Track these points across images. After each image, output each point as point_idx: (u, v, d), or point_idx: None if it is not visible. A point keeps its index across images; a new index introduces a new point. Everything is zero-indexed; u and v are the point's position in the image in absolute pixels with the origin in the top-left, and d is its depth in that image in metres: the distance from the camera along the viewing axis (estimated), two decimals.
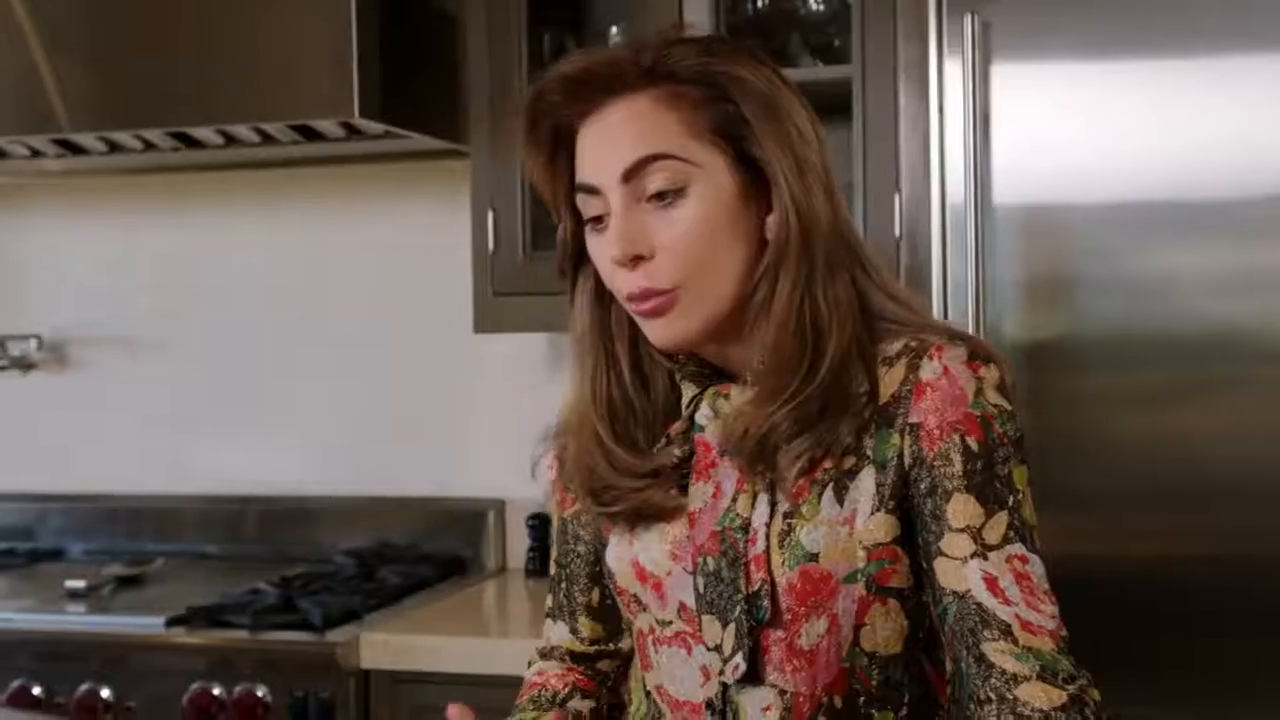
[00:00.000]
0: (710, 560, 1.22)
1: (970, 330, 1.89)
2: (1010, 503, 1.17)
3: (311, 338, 2.95)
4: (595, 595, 1.40)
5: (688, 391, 1.28)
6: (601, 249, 1.23)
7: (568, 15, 2.63)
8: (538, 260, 2.50)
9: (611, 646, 1.41)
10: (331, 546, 2.84)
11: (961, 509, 1.17)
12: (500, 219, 2.49)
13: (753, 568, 1.20)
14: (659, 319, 1.22)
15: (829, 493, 1.20)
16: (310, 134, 2.54)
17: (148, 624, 2.38)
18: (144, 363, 3.04)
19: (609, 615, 1.40)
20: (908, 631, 1.21)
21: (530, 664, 1.46)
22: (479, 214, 2.51)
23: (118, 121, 2.54)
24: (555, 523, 1.44)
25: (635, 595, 1.30)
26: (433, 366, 2.88)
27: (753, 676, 1.21)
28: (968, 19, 1.97)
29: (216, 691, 2.26)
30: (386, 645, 2.28)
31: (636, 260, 1.20)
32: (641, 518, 1.28)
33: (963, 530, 1.16)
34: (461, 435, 2.87)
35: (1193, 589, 1.91)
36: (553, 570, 1.44)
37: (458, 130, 2.59)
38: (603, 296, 1.29)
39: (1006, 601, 1.14)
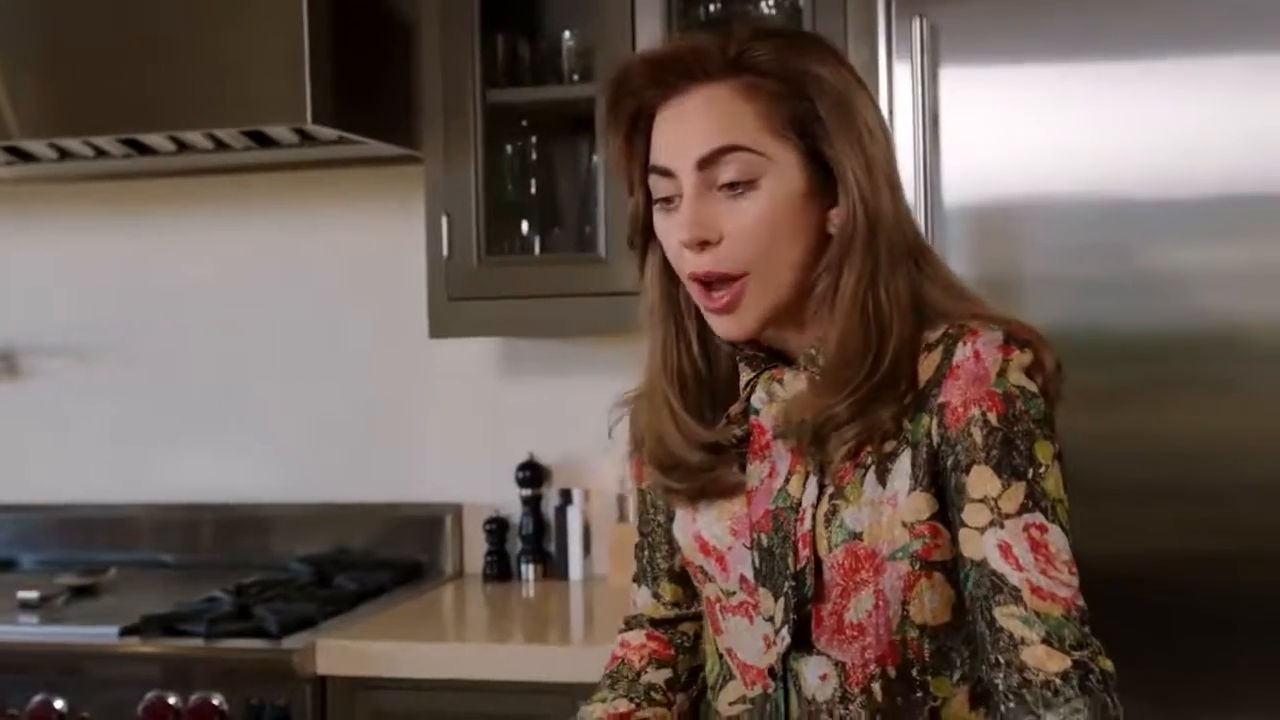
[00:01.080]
0: (764, 537, 1.29)
1: None
2: (1030, 475, 1.20)
3: (266, 344, 2.94)
4: (677, 560, 1.45)
5: (744, 375, 1.33)
6: (670, 229, 1.28)
7: (521, 21, 2.63)
8: (492, 265, 2.51)
9: (692, 610, 1.46)
10: (287, 554, 2.83)
11: (980, 480, 1.20)
12: (454, 224, 2.49)
13: (800, 546, 1.26)
14: (725, 314, 1.27)
15: (871, 475, 1.24)
16: (263, 140, 2.53)
17: (102, 634, 2.36)
18: (97, 371, 3.02)
19: (689, 579, 1.44)
20: (954, 600, 1.25)
21: (619, 633, 1.50)
22: (433, 219, 2.51)
23: (68, 128, 2.52)
24: (634, 493, 1.50)
25: (701, 566, 1.36)
26: (388, 372, 2.87)
27: (805, 647, 1.27)
28: (916, 22, 1.99)
29: (172, 700, 2.25)
30: (343, 652, 2.27)
31: (704, 245, 1.25)
32: (705, 495, 1.34)
33: (981, 501, 1.20)
34: (417, 441, 2.86)
35: (1164, 586, 1.94)
36: (636, 538, 1.50)
37: (412, 136, 2.59)
38: (671, 273, 1.33)
39: (1019, 568, 1.17)
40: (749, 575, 1.31)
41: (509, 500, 2.76)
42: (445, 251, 2.50)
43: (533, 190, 2.66)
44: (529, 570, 2.75)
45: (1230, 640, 1.93)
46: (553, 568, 2.75)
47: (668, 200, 1.27)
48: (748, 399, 1.33)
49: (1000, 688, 1.16)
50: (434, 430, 2.86)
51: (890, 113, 2.04)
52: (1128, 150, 1.95)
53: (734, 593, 1.33)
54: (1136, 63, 1.96)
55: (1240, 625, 1.93)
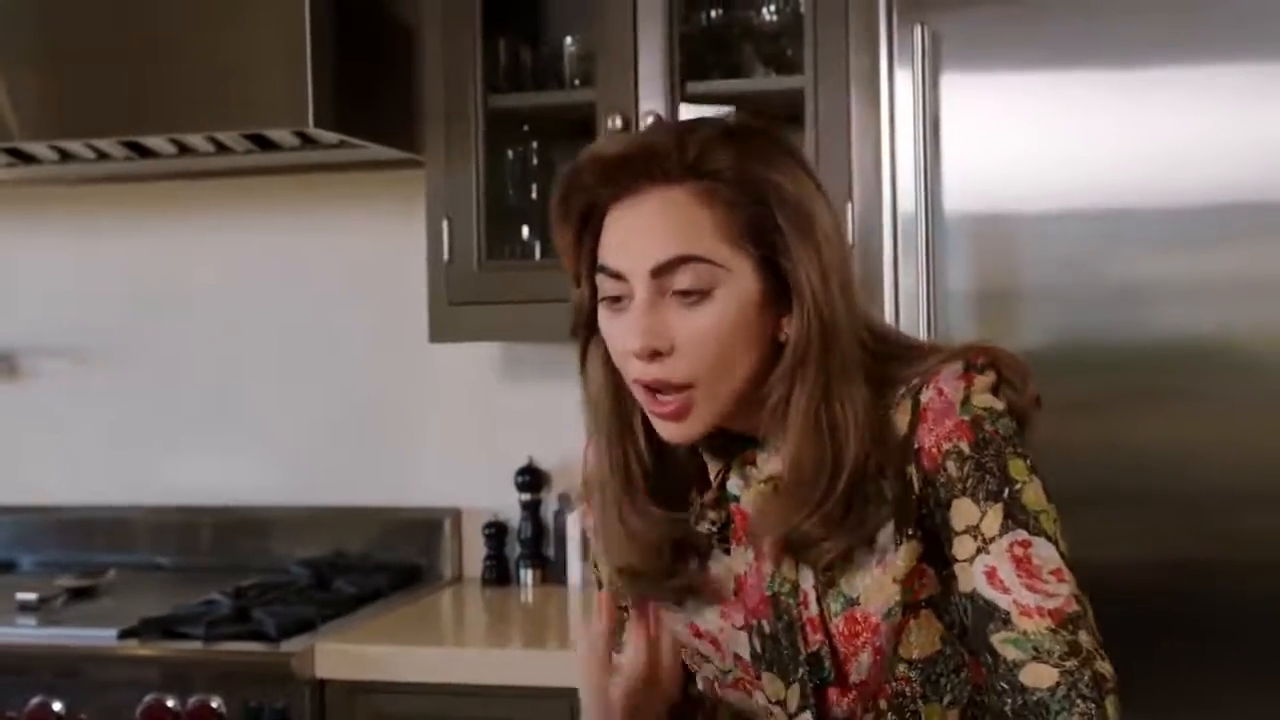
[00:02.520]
0: (765, 624, 1.28)
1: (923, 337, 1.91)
2: (1006, 494, 1.20)
3: (265, 347, 2.94)
4: None
5: (713, 466, 1.31)
6: (619, 333, 1.24)
7: (523, 25, 2.64)
8: (493, 269, 2.51)
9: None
10: (286, 557, 2.83)
11: (961, 512, 1.21)
12: (455, 228, 2.50)
13: (809, 630, 1.26)
14: (673, 421, 1.24)
15: (861, 544, 1.24)
16: (265, 143, 2.54)
17: (100, 636, 2.36)
18: (96, 373, 3.02)
19: None
20: (941, 631, 1.26)
21: None
22: (434, 223, 2.51)
23: (70, 131, 2.52)
24: (603, 569, 1.42)
25: (695, 649, 1.34)
26: (388, 376, 2.87)
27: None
28: (918, 30, 1.99)
29: (170, 703, 2.25)
30: (342, 655, 2.27)
31: (655, 355, 1.22)
32: (688, 593, 1.31)
33: (965, 532, 1.20)
34: (417, 444, 2.87)
35: (1146, 593, 1.94)
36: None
37: (413, 140, 2.59)
38: (613, 364, 1.29)
39: (1005, 590, 1.17)
40: (744, 655, 1.30)
41: (508, 504, 2.76)
42: (446, 256, 2.50)
43: (534, 195, 2.66)
44: (528, 575, 2.75)
45: (1209, 647, 1.93)
46: (551, 572, 2.75)
47: (616, 299, 1.24)
48: (721, 486, 1.30)
49: (1010, 713, 1.16)
50: (434, 434, 2.86)
51: (891, 120, 2.04)
52: (1128, 158, 1.95)
53: (730, 671, 1.33)
54: (1137, 71, 1.96)
55: (1219, 632, 1.93)
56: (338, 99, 2.43)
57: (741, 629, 1.30)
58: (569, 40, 2.58)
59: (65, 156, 2.62)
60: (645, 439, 1.29)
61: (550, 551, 2.76)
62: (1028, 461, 1.22)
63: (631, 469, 1.30)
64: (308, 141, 2.51)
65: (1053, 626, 1.15)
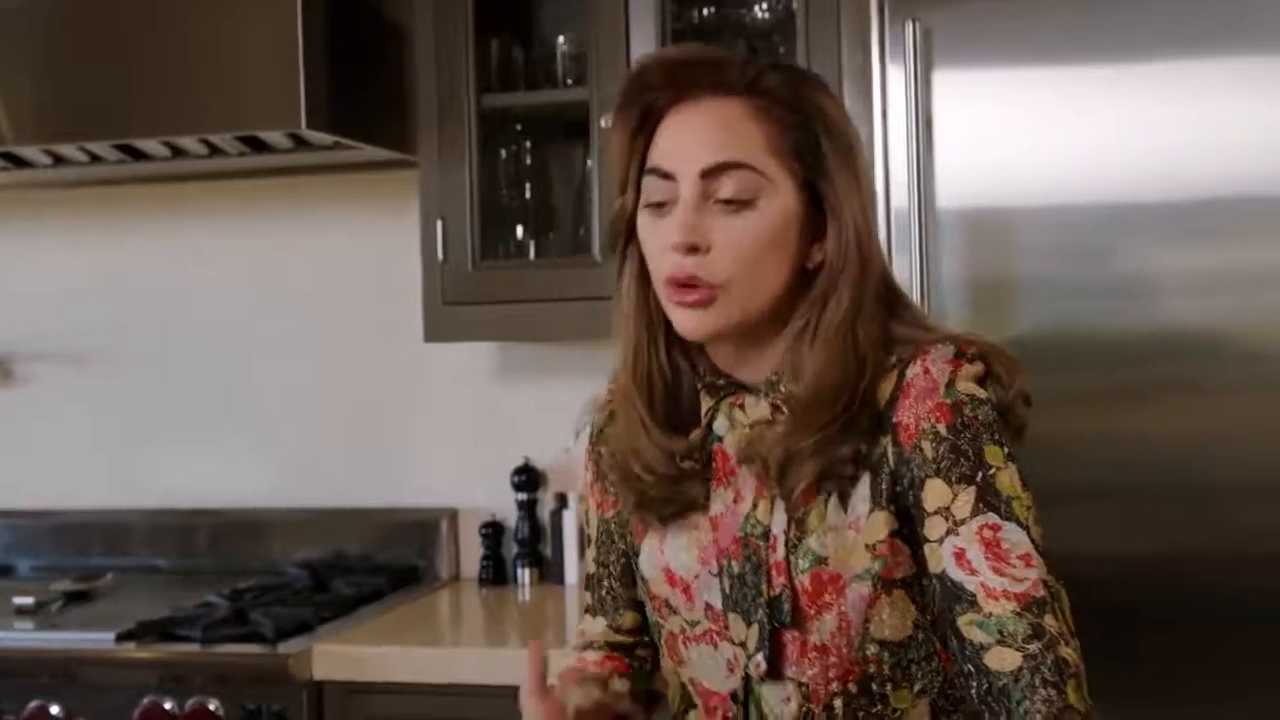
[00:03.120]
0: (734, 564, 1.30)
1: None
2: (979, 478, 1.21)
3: (260, 349, 2.94)
4: (639, 589, 1.44)
5: (705, 402, 1.34)
6: (658, 232, 1.28)
7: (515, 25, 2.64)
8: (487, 269, 2.51)
9: (647, 638, 1.46)
10: (283, 558, 2.83)
11: (933, 493, 1.22)
12: (449, 229, 2.50)
13: (774, 573, 1.27)
14: (694, 310, 1.27)
15: (834, 501, 1.26)
16: (258, 145, 2.53)
17: (98, 639, 2.36)
18: (91, 376, 3.02)
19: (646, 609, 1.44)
20: (915, 615, 1.26)
21: (566, 658, 1.49)
22: (428, 224, 2.51)
23: (63, 134, 2.53)
24: (594, 523, 1.49)
25: (666, 599, 1.36)
26: (383, 377, 2.87)
27: (773, 672, 1.28)
28: (909, 26, 2.00)
29: (168, 705, 2.25)
30: (339, 656, 2.27)
31: (693, 250, 1.25)
32: (674, 510, 1.34)
33: (936, 513, 1.21)
34: (413, 445, 2.87)
35: (1142, 586, 1.95)
36: (591, 569, 1.50)
37: (406, 140, 2.60)
38: (647, 280, 1.33)
39: (973, 572, 1.18)
40: (716, 603, 1.32)
41: (505, 504, 2.77)
42: (440, 256, 2.50)
43: (527, 194, 2.66)
44: (525, 574, 2.75)
45: (1213, 639, 1.93)
46: (548, 572, 2.75)
47: (660, 205, 1.28)
48: (709, 426, 1.33)
49: (974, 697, 1.17)
50: (430, 434, 2.86)
51: (883, 116, 2.05)
52: (1120, 153, 1.96)
53: (698, 622, 1.34)
54: (1129, 66, 1.97)
55: (1223, 625, 1.93)
56: (330, 100, 2.43)
57: (715, 575, 1.31)
58: (561, 39, 2.58)
59: (58, 160, 2.62)
60: (666, 356, 1.34)
61: (547, 551, 2.76)
62: (1005, 449, 1.23)
63: (654, 379, 1.34)
64: (301, 143, 2.51)
65: (1018, 610, 1.16)
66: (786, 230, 1.26)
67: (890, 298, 1.31)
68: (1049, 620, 1.15)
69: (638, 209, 1.31)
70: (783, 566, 1.27)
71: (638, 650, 1.47)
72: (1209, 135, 1.92)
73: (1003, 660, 1.14)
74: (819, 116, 1.27)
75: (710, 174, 1.25)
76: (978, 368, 1.25)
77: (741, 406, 1.32)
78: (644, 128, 1.30)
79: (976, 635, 1.16)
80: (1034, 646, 1.14)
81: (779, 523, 1.27)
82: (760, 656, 1.28)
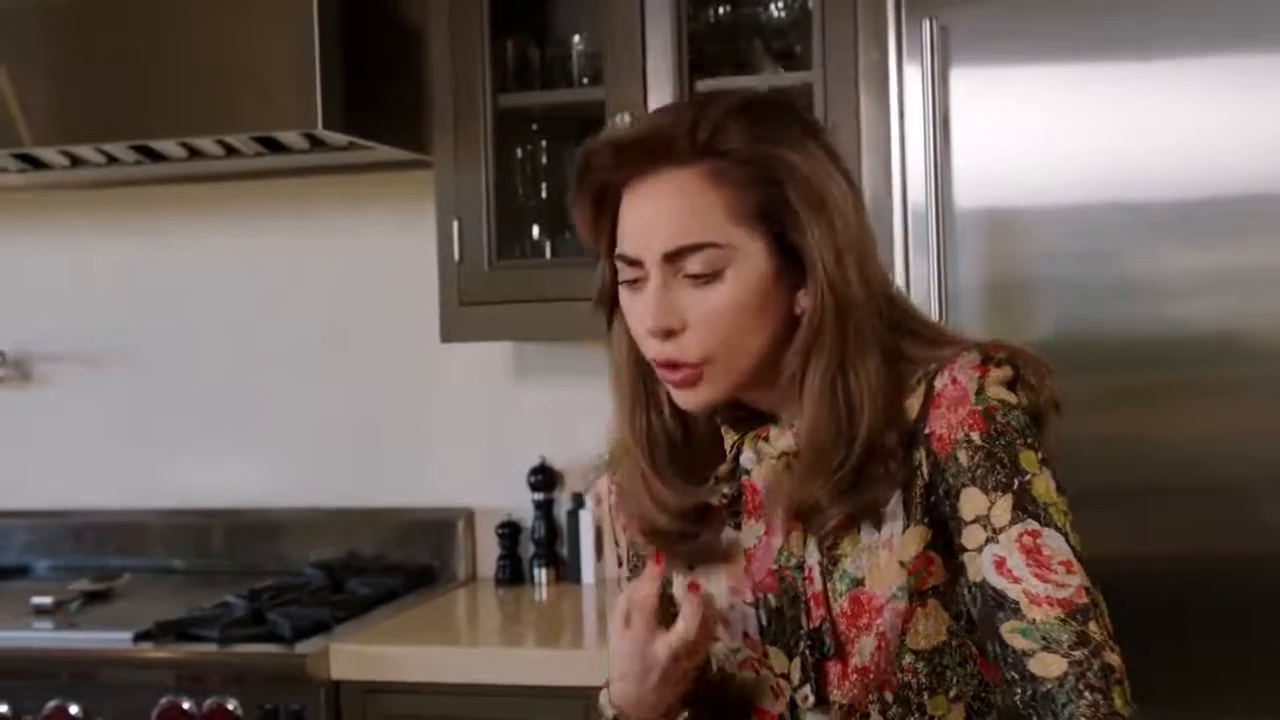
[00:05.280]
0: (771, 597, 1.29)
1: None
2: (1015, 485, 1.20)
3: (277, 350, 2.94)
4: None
5: (728, 437, 1.33)
6: (634, 310, 1.27)
7: (530, 24, 2.64)
8: (503, 269, 2.51)
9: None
10: (300, 559, 2.83)
11: (970, 501, 1.21)
12: (465, 228, 2.50)
13: (812, 605, 1.27)
14: (685, 389, 1.26)
15: (867, 523, 1.25)
16: (274, 146, 2.54)
17: (115, 639, 2.36)
18: (108, 377, 3.03)
19: None
20: (949, 622, 1.26)
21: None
22: (444, 224, 2.51)
23: (80, 135, 2.53)
24: (624, 544, 1.47)
25: None
26: (399, 377, 2.87)
27: (819, 700, 1.28)
28: (926, 24, 1.99)
29: (186, 706, 2.25)
30: (356, 656, 2.27)
31: (668, 333, 1.24)
32: (699, 559, 1.33)
33: (974, 521, 1.20)
34: (429, 445, 2.87)
35: (1156, 587, 1.93)
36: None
37: (422, 140, 2.59)
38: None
39: (1015, 580, 1.17)
40: (752, 632, 1.31)
41: (521, 504, 2.76)
42: (456, 256, 2.50)
43: (543, 194, 2.66)
44: (541, 574, 2.75)
45: (1230, 640, 1.93)
46: (565, 571, 2.75)
47: (633, 281, 1.26)
48: (735, 459, 1.32)
49: (1019, 704, 1.16)
50: (446, 434, 2.86)
51: (900, 115, 2.04)
52: (1138, 152, 1.95)
53: (738, 650, 1.33)
54: (1147, 64, 1.96)
55: (1238, 626, 1.93)
56: (346, 101, 2.43)
57: (750, 605, 1.31)
58: (577, 39, 2.58)
59: (75, 161, 2.63)
60: (670, 409, 1.32)
61: (564, 551, 2.76)
62: (1039, 454, 1.22)
63: (655, 437, 1.32)
64: (317, 143, 2.52)
65: (1062, 616, 1.15)
66: (759, 294, 1.23)
67: (899, 321, 1.28)
68: (1093, 627, 1.15)
69: (618, 279, 1.29)
70: (820, 598, 1.26)
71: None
72: (1228, 134, 1.91)
73: (1047, 666, 1.13)
74: (782, 168, 1.22)
75: (672, 257, 1.23)
76: (1006, 371, 1.24)
77: (766, 438, 1.31)
78: (605, 207, 1.28)
79: (1020, 642, 1.15)
80: (1079, 653, 1.13)
81: (812, 554, 1.27)
82: (807, 689, 1.28)
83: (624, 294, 1.28)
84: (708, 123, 1.23)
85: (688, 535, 1.32)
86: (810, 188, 1.23)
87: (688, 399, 1.27)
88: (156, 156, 2.60)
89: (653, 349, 1.26)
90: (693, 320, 1.23)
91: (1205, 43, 1.93)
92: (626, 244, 1.26)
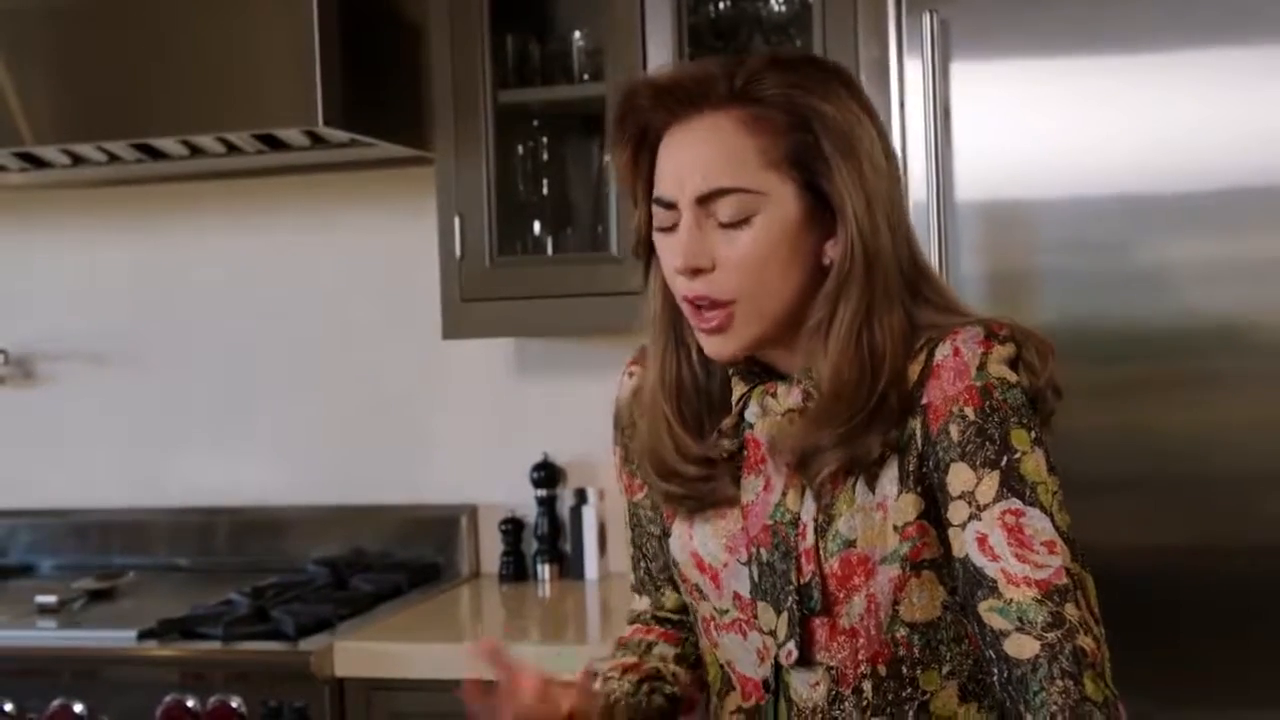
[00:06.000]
0: (764, 551, 1.31)
1: None
2: (1004, 462, 1.21)
3: (279, 347, 2.94)
4: (675, 571, 1.44)
5: (737, 389, 1.35)
6: (667, 251, 1.30)
7: (531, 21, 2.63)
8: (504, 265, 2.51)
9: (689, 617, 1.47)
10: (303, 556, 2.83)
11: (958, 476, 1.22)
12: (466, 225, 2.50)
13: (803, 560, 1.28)
14: (715, 335, 1.29)
15: (861, 483, 1.26)
16: (275, 143, 2.54)
17: (119, 637, 2.36)
18: (111, 375, 3.03)
19: None
20: (944, 596, 1.26)
21: (628, 624, 1.52)
22: (445, 220, 2.51)
23: (81, 134, 2.53)
24: (626, 506, 1.51)
25: (696, 584, 1.37)
26: (401, 374, 2.88)
27: (803, 659, 1.29)
28: (927, 18, 1.99)
29: (190, 703, 2.25)
30: (360, 653, 2.27)
31: (697, 272, 1.27)
32: (701, 506, 1.35)
33: (960, 497, 1.22)
34: (431, 441, 2.87)
35: (1158, 578, 1.94)
36: (630, 550, 1.52)
37: (422, 137, 2.60)
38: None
39: (994, 558, 1.18)
40: (744, 592, 1.32)
41: (524, 500, 2.77)
42: (458, 252, 2.50)
43: (544, 190, 2.66)
44: (545, 570, 2.75)
45: (1234, 630, 1.93)
46: (568, 567, 2.75)
47: (669, 228, 1.29)
48: (740, 413, 1.34)
49: (997, 685, 1.17)
50: (448, 431, 2.86)
51: (901, 108, 2.04)
52: (1139, 144, 1.95)
53: (727, 610, 1.34)
54: (1148, 56, 1.96)
55: (1243, 616, 1.92)
56: (346, 98, 2.43)
57: (744, 564, 1.32)
58: (577, 34, 2.58)
59: (76, 160, 2.63)
60: (698, 352, 1.35)
61: (567, 547, 2.76)
62: (1032, 434, 1.22)
63: (683, 380, 1.36)
64: (318, 141, 2.52)
65: (1038, 597, 1.16)
66: (788, 239, 1.26)
67: (918, 281, 1.30)
68: (1070, 609, 1.15)
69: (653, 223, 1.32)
70: (812, 554, 1.27)
71: (682, 625, 1.48)
72: (1229, 125, 1.91)
73: (1021, 647, 1.14)
74: (815, 116, 1.25)
75: (704, 200, 1.26)
76: (1009, 349, 1.25)
77: (774, 394, 1.32)
78: (644, 146, 1.31)
79: (996, 621, 1.17)
80: (1053, 635, 1.14)
81: (808, 510, 1.28)
82: (791, 644, 1.28)
83: (659, 238, 1.31)
84: (745, 70, 1.27)
85: (700, 480, 1.34)
86: (842, 136, 1.25)
87: (715, 346, 1.29)
88: (157, 155, 2.60)
89: (682, 286, 1.29)
90: (721, 261, 1.26)
91: (1205, 34, 1.93)
92: (663, 188, 1.29)
